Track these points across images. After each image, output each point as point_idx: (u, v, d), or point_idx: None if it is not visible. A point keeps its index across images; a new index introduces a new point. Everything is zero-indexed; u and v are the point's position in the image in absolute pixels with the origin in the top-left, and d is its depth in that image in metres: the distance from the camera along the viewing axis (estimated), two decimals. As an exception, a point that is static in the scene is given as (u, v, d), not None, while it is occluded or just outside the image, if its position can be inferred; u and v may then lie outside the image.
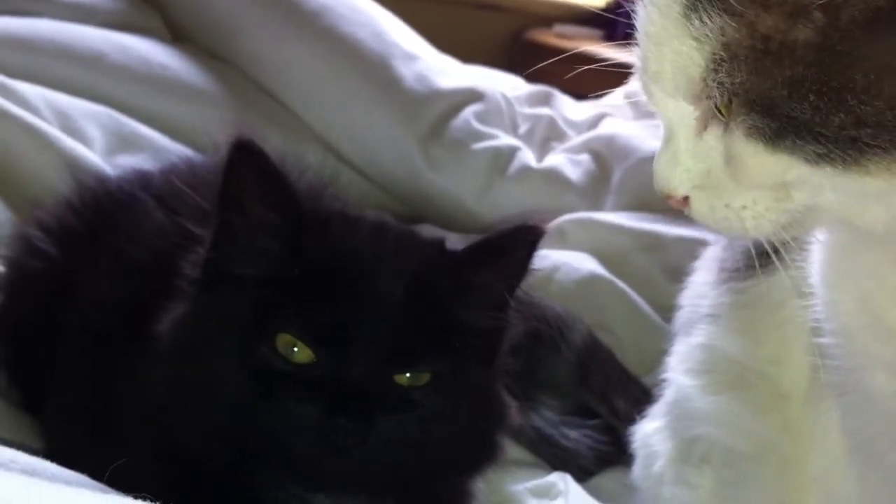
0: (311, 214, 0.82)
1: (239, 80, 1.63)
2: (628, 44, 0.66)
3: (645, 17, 0.63)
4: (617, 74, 0.72)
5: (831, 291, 0.73)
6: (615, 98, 1.93)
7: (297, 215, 0.81)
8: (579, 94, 1.97)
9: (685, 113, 0.63)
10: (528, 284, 0.89)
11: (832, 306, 0.73)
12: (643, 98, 0.68)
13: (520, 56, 2.58)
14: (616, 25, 0.68)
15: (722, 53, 0.58)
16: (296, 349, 0.76)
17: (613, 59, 0.70)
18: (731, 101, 0.59)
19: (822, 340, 0.76)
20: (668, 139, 0.65)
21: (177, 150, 1.36)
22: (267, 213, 0.80)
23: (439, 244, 0.89)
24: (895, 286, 0.67)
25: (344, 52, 1.64)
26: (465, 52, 1.95)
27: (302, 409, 0.76)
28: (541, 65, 0.97)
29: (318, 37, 1.64)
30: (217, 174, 0.83)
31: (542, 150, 1.76)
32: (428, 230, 1.36)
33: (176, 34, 1.71)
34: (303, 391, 0.76)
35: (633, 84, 0.68)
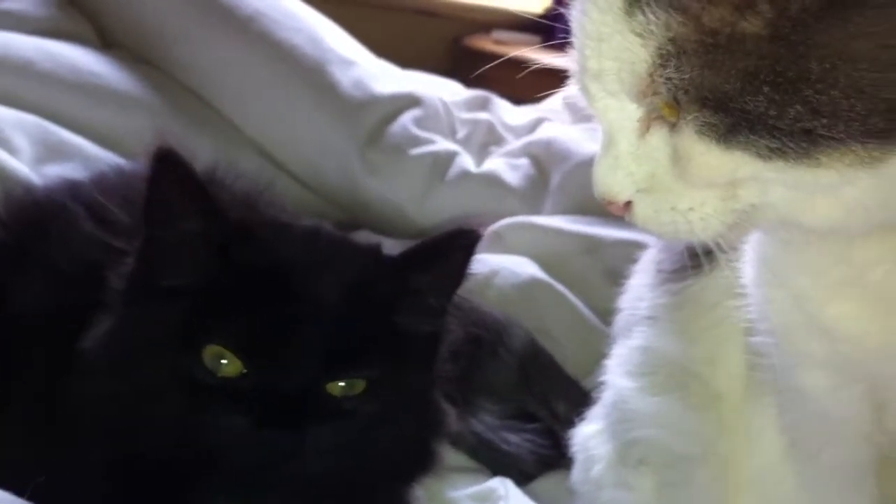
0: (238, 223, 0.81)
1: (171, 87, 1.60)
2: (566, 49, 0.65)
3: (582, 14, 0.61)
4: (555, 79, 0.70)
5: (766, 290, 0.72)
6: (553, 102, 1.94)
7: (224, 224, 0.79)
8: (518, 99, 1.98)
9: (627, 114, 0.61)
10: (466, 289, 0.88)
11: (767, 305, 0.73)
12: (581, 101, 0.66)
13: (459, 62, 2.59)
14: (554, 31, 0.66)
15: (669, 48, 0.56)
16: (224, 361, 0.75)
17: (551, 64, 0.68)
18: (677, 98, 0.57)
19: (757, 339, 0.76)
20: (609, 143, 0.63)
21: (107, 158, 1.33)
22: (192, 223, 0.78)
23: (375, 249, 0.88)
24: (830, 283, 0.67)
25: (279, 58, 1.62)
26: (404, 59, 1.94)
27: (232, 422, 0.74)
28: (481, 70, 0.96)
29: (252, 42, 1.62)
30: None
31: (481, 154, 1.75)
32: (365, 236, 1.35)
33: (107, 41, 1.67)
34: (233, 404, 0.75)
35: (572, 88, 0.67)
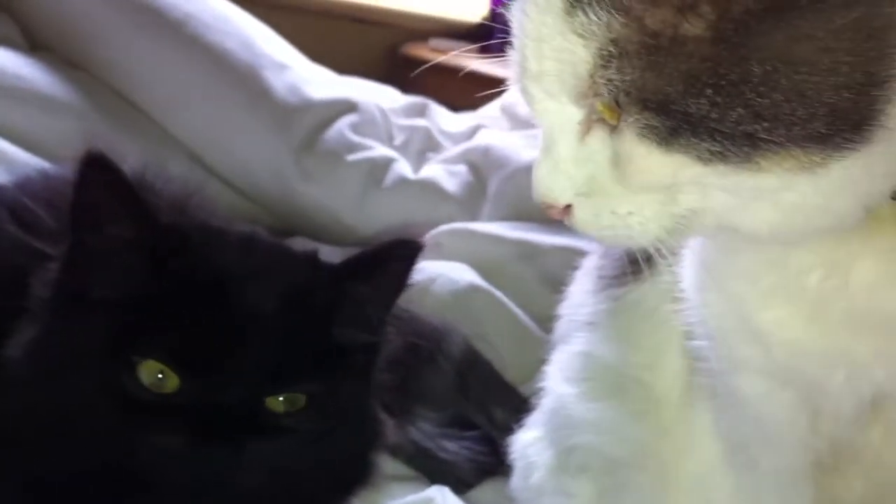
0: (171, 229, 0.79)
1: (99, 90, 1.56)
2: (504, 57, 0.64)
3: (523, 14, 0.60)
4: (492, 87, 0.69)
5: (704, 294, 0.72)
6: (491, 110, 1.94)
7: (156, 230, 0.77)
8: (456, 107, 1.98)
9: (568, 116, 0.61)
10: (405, 297, 0.87)
11: (704, 309, 0.73)
12: (519, 108, 0.65)
13: (396, 70, 2.58)
14: (491, 39, 0.65)
15: (610, 49, 0.55)
16: (160, 376, 0.73)
17: (488, 72, 0.67)
18: (618, 100, 0.57)
19: (695, 344, 0.76)
20: (549, 146, 0.62)
21: (34, 163, 1.29)
22: (122, 229, 0.76)
23: (313, 258, 0.86)
24: (765, 288, 0.67)
25: (211, 62, 1.60)
26: (341, 66, 1.93)
27: (167, 440, 0.72)
28: (418, 70, 0.95)
29: (183, 46, 1.60)
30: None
31: (419, 161, 1.75)
32: (301, 243, 1.33)
33: (34, 43, 1.63)
34: (168, 421, 0.72)
35: (509, 94, 0.66)
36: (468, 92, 0.84)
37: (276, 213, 1.59)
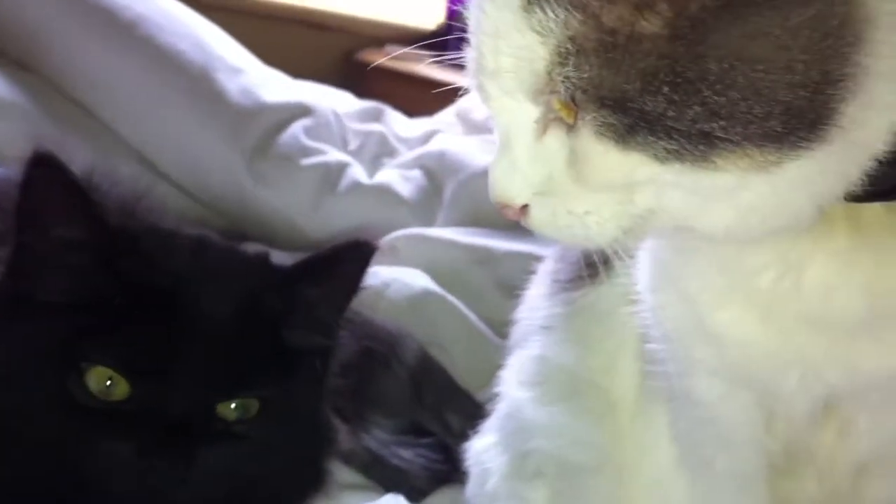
0: (121, 232, 0.77)
1: (49, 93, 1.54)
2: (459, 63, 0.63)
3: (480, 10, 0.59)
4: (448, 94, 0.68)
5: (658, 296, 0.72)
6: (447, 115, 1.94)
7: (107, 233, 0.75)
8: (412, 113, 1.97)
9: (525, 115, 0.60)
10: (359, 301, 0.86)
11: (659, 311, 0.73)
12: (475, 113, 0.65)
13: (352, 76, 2.57)
14: (447, 46, 0.64)
15: (568, 46, 0.55)
16: (110, 383, 0.71)
17: (444, 79, 0.67)
18: (576, 98, 0.56)
19: (650, 346, 0.76)
20: (505, 145, 0.62)
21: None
22: (71, 231, 0.74)
23: (264, 260, 0.85)
24: (719, 289, 0.67)
25: (163, 64, 1.58)
26: (297, 72, 1.92)
27: (117, 448, 0.71)
28: (372, 65, 0.94)
29: (135, 47, 1.58)
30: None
31: (374, 166, 1.74)
32: (252, 248, 1.31)
33: (-17, 45, 1.60)
34: (117, 429, 0.71)
35: (465, 101, 0.65)
36: (423, 98, 0.83)
37: (228, 217, 1.58)
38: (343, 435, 0.92)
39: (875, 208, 0.62)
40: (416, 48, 0.74)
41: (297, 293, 0.81)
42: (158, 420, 0.71)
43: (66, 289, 0.74)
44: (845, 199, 0.60)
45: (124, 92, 1.57)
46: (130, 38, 1.58)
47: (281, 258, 0.89)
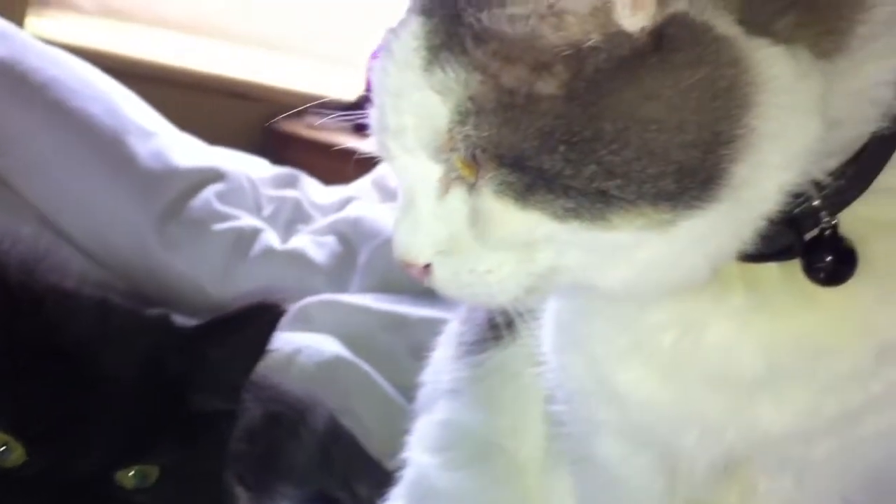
0: (21, 291, 0.75)
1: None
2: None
3: (382, 70, 0.60)
4: (365, 163, 0.69)
5: (561, 357, 0.73)
6: (363, 183, 1.95)
7: (5, 293, 0.73)
8: (329, 183, 1.97)
9: (427, 173, 0.61)
10: (269, 367, 0.85)
11: (563, 371, 0.73)
12: (390, 181, 0.65)
13: (270, 146, 2.57)
14: (366, 117, 0.64)
15: (468, 106, 0.56)
16: (4, 448, 0.69)
17: (361, 148, 0.67)
18: (476, 156, 0.57)
19: (555, 407, 0.76)
20: (408, 203, 0.62)
21: None
22: None
23: (167, 321, 0.83)
24: (621, 349, 0.68)
25: (73, 126, 1.56)
26: (215, 140, 1.91)
27: None
28: (294, 131, 0.93)
29: (45, 109, 1.56)
30: None
31: (288, 232, 1.73)
32: (155, 311, 1.29)
33: None
34: (12, 497, 0.68)
35: (381, 170, 0.66)
36: (342, 168, 0.83)
37: (133, 281, 1.54)
38: (245, 503, 0.89)
39: (770, 268, 0.64)
40: (334, 118, 0.74)
41: (201, 354, 0.80)
42: (55, 487, 0.69)
43: None
44: (739, 258, 0.61)
45: (30, 153, 1.54)
46: (40, 100, 1.56)
47: (184, 321, 0.87)
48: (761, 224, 0.58)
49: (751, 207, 0.57)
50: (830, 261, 0.61)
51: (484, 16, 0.56)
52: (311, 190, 1.91)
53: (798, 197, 0.59)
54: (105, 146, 1.57)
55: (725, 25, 0.54)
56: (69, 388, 0.72)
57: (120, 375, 0.74)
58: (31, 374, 0.71)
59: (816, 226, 0.61)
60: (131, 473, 0.73)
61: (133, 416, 0.73)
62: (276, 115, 2.79)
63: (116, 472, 0.72)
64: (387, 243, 1.60)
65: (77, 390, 0.72)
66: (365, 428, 1.25)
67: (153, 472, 0.74)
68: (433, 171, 0.60)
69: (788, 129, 0.55)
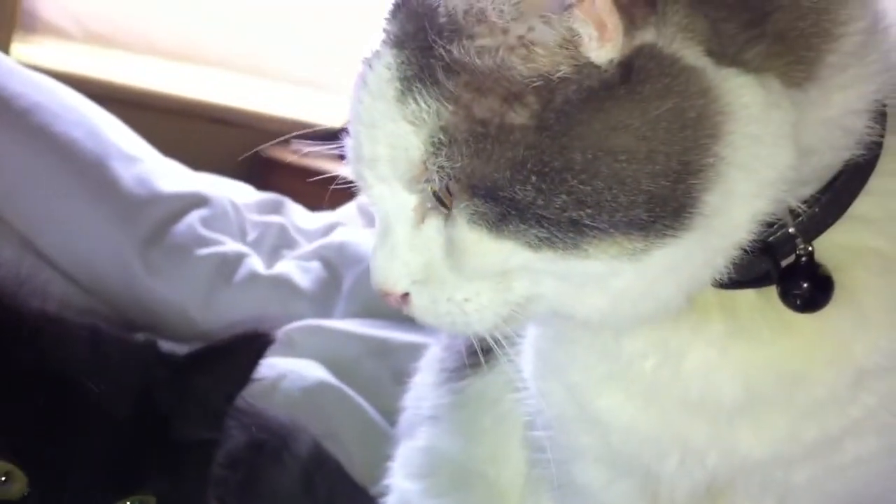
0: (17, 321, 0.74)
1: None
2: None
3: (357, 101, 0.61)
4: (349, 189, 0.69)
5: (541, 384, 0.73)
6: (348, 209, 1.95)
7: (4, 323, 0.73)
8: (315, 209, 1.97)
9: (402, 203, 0.61)
10: (252, 393, 0.85)
11: (542, 398, 0.73)
12: (364, 198, 0.65)
13: (256, 172, 2.57)
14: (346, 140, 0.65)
15: (440, 136, 0.57)
16: (4, 479, 0.68)
17: (347, 175, 0.67)
18: (449, 187, 0.57)
19: (535, 433, 0.76)
20: (385, 232, 0.63)
21: None
22: None
23: (156, 350, 0.83)
24: (599, 377, 0.68)
25: (56, 151, 1.55)
26: (198, 166, 1.90)
27: None
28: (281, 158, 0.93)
29: (27, 134, 1.55)
30: None
31: (272, 257, 1.73)
32: (140, 338, 1.28)
33: None
34: None
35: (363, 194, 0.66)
36: (326, 194, 0.84)
37: (116, 306, 1.54)
38: (227, 529, 0.89)
39: (748, 294, 0.64)
40: (320, 144, 0.75)
41: (189, 384, 0.79)
42: None
43: None
44: (715, 286, 0.61)
45: (11, 178, 1.53)
46: (23, 125, 1.55)
47: (169, 347, 0.87)
48: (735, 252, 0.59)
49: (724, 236, 0.58)
50: (806, 287, 0.61)
51: (454, 48, 0.56)
52: (296, 215, 1.91)
53: (773, 225, 0.60)
54: (88, 171, 1.56)
55: (694, 56, 0.54)
56: (65, 416, 0.71)
57: (113, 404, 0.73)
58: (28, 403, 0.71)
59: (792, 253, 0.62)
60: (129, 503, 0.72)
61: (126, 446, 0.73)
62: (260, 141, 2.79)
63: (116, 502, 0.72)
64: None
65: (73, 419, 0.71)
66: (349, 453, 1.24)
67: (151, 501, 0.74)
68: (408, 201, 0.61)
69: (759, 158, 0.56)
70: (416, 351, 1.25)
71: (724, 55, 0.55)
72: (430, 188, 0.59)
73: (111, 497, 0.71)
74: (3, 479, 0.68)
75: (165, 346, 0.87)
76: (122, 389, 0.75)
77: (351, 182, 0.66)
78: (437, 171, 0.57)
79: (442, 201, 0.59)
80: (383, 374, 1.41)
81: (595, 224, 0.55)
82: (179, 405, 0.78)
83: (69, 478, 0.69)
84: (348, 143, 0.63)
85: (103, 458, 0.71)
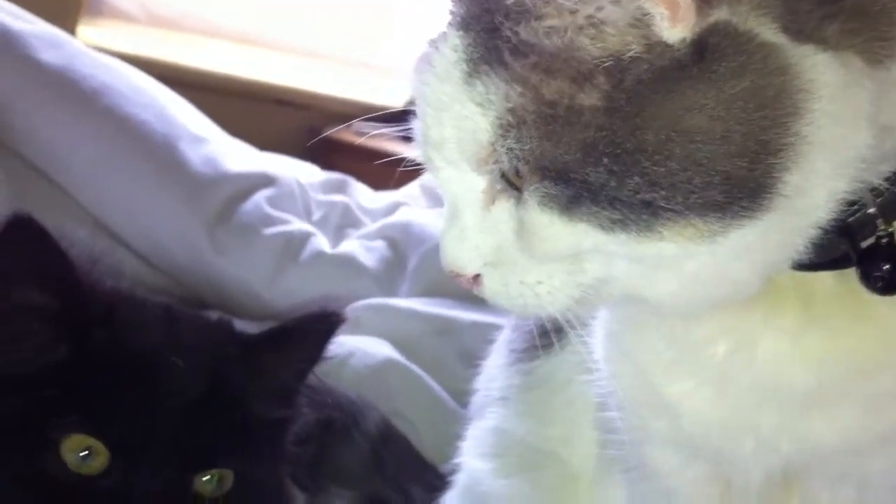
0: (96, 300, 0.75)
1: (8, 159, 1.52)
2: None
3: (423, 83, 0.60)
4: (413, 169, 0.68)
5: (613, 366, 0.72)
6: (411, 188, 1.95)
7: (81, 301, 0.74)
8: (377, 188, 1.98)
9: (471, 185, 0.60)
10: (321, 370, 0.86)
11: (614, 381, 0.72)
12: (430, 179, 0.65)
13: (318, 153, 2.59)
14: (411, 129, 0.64)
15: (509, 118, 0.56)
16: (85, 454, 0.69)
17: (409, 155, 0.66)
18: (518, 169, 0.57)
19: (607, 415, 0.75)
20: (454, 215, 0.62)
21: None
22: (45, 298, 0.72)
23: (231, 330, 0.84)
24: (670, 361, 0.67)
25: (125, 133, 1.57)
26: (264, 148, 1.92)
27: None
28: (343, 139, 0.94)
29: (97, 116, 1.57)
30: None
31: (337, 236, 1.74)
32: (214, 315, 1.30)
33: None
34: None
35: (429, 175, 0.66)
36: (389, 175, 0.84)
37: (187, 286, 1.56)
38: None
39: (825, 280, 0.63)
40: (381, 125, 0.74)
41: (262, 363, 0.80)
42: (134, 497, 0.69)
43: (33, 357, 0.72)
44: (792, 267, 0.60)
45: (85, 159, 1.56)
46: (93, 107, 1.57)
47: (242, 326, 0.88)
48: (813, 233, 0.57)
49: (802, 216, 0.56)
50: (887, 269, 0.59)
51: (521, 29, 0.55)
52: (360, 195, 1.91)
53: (853, 205, 0.58)
54: (157, 152, 1.58)
55: (770, 33, 0.53)
56: (143, 394, 0.72)
57: (188, 382, 0.74)
58: (107, 381, 0.72)
59: (872, 234, 0.60)
60: (207, 478, 0.73)
61: (202, 422, 0.74)
62: (321, 122, 2.81)
63: (194, 477, 0.73)
64: (435, 248, 1.60)
65: (150, 396, 0.72)
66: (416, 431, 1.25)
67: (229, 476, 0.75)
68: (477, 183, 0.60)
69: (839, 137, 0.54)
70: (481, 330, 1.25)
71: (801, 32, 0.53)
72: (498, 170, 0.58)
73: (189, 471, 0.73)
74: (86, 453, 0.69)
75: (238, 324, 0.88)
76: (197, 367, 0.75)
77: (416, 163, 0.66)
78: (506, 153, 0.56)
79: (512, 183, 0.58)
80: (448, 352, 1.42)
81: (669, 206, 0.54)
82: (252, 383, 0.79)
83: (149, 453, 0.70)
84: (416, 125, 0.62)
85: (180, 434, 0.72)
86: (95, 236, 1.42)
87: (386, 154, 0.76)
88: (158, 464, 0.70)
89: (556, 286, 0.60)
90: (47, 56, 1.59)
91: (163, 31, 2.58)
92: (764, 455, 0.68)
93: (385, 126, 0.72)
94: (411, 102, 0.63)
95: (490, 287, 0.62)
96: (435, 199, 1.83)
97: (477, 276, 0.62)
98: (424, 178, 1.87)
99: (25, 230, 0.72)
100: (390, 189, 1.95)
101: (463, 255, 0.62)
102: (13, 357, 0.72)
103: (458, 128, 0.58)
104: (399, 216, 1.80)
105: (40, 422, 0.69)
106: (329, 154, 2.32)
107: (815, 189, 0.56)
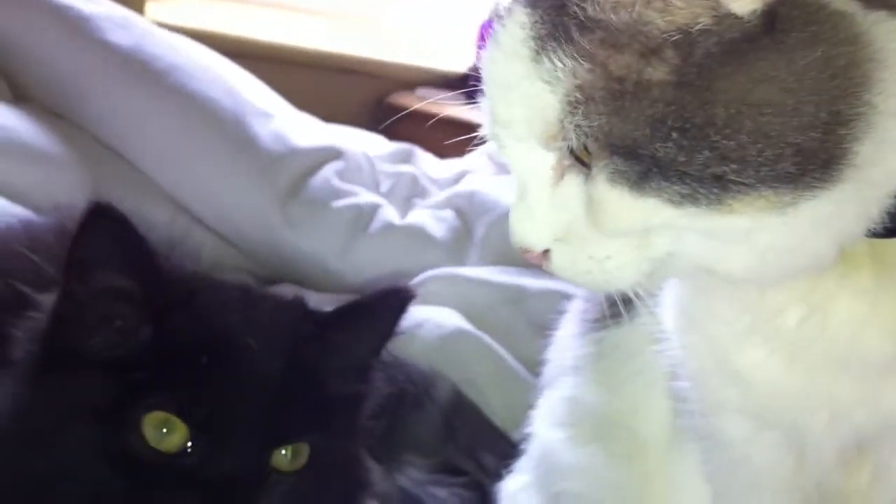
0: (177, 283, 0.77)
1: (83, 140, 1.56)
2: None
3: (491, 61, 0.60)
4: (478, 135, 0.68)
5: (682, 336, 0.72)
6: (477, 156, 1.95)
7: (161, 285, 0.75)
8: (443, 156, 1.98)
9: (539, 162, 0.60)
10: (392, 343, 0.87)
11: (684, 350, 0.72)
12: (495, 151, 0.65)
13: (382, 120, 2.59)
14: (477, 89, 0.64)
15: (577, 95, 0.55)
16: (165, 430, 0.70)
17: (474, 121, 0.67)
18: (587, 146, 0.57)
19: (679, 384, 0.75)
20: (523, 191, 0.62)
21: (16, 212, 1.28)
22: (125, 283, 0.74)
23: (304, 307, 0.85)
24: (740, 331, 0.67)
25: (196, 110, 1.59)
26: (329, 117, 1.93)
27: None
28: (401, 114, 0.95)
29: (167, 95, 1.59)
30: (58, 236, 0.77)
31: (405, 207, 1.75)
32: (287, 290, 1.32)
33: (18, 93, 1.63)
34: (175, 483, 0.70)
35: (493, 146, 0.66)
36: (455, 141, 0.84)
37: (260, 260, 1.59)
38: (378, 476, 0.91)
39: None
40: (446, 91, 0.74)
41: (336, 340, 0.81)
42: (215, 474, 0.70)
43: (116, 339, 0.73)
44: (867, 236, 0.59)
45: (157, 139, 1.59)
46: (163, 87, 1.60)
47: (315, 300, 0.89)
48: (889, 202, 0.57)
49: (877, 185, 0.56)
50: None
51: (588, 4, 0.55)
52: (426, 164, 1.92)
53: None
54: (227, 129, 1.60)
55: (842, 1, 0.52)
56: (222, 372, 0.73)
57: (265, 360, 0.75)
58: (187, 361, 0.73)
59: None
60: (284, 452, 0.75)
61: (279, 399, 0.75)
62: (388, 90, 2.82)
63: (272, 452, 0.74)
64: (503, 217, 1.59)
65: (229, 375, 0.74)
66: (487, 400, 1.25)
67: (304, 450, 0.76)
68: (546, 160, 0.60)
69: None
70: (550, 298, 1.25)
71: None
72: (567, 147, 0.58)
73: (267, 447, 0.74)
74: (165, 430, 0.71)
75: (311, 297, 0.90)
76: (274, 345, 0.76)
77: (478, 128, 0.66)
78: (575, 130, 0.56)
79: (580, 160, 0.58)
80: (518, 321, 1.42)
81: (740, 179, 0.54)
82: (326, 359, 0.80)
83: (228, 431, 0.72)
84: (483, 103, 0.62)
85: (258, 411, 0.73)
86: (175, 218, 1.46)
87: (451, 121, 0.76)
88: (238, 441, 0.72)
89: (625, 261, 0.60)
90: (117, 37, 1.62)
91: (228, 5, 2.61)
92: (838, 426, 0.68)
93: (448, 91, 0.72)
94: (475, 68, 0.63)
95: (559, 263, 0.63)
96: (501, 167, 1.82)
97: (546, 252, 0.63)
98: (489, 146, 1.86)
99: (105, 217, 0.74)
100: (458, 156, 1.95)
101: (532, 232, 0.62)
102: (100, 341, 0.74)
103: (527, 106, 0.58)
104: (465, 185, 1.80)
105: (125, 403, 0.71)
106: (394, 121, 2.32)
107: (888, 158, 0.55)
